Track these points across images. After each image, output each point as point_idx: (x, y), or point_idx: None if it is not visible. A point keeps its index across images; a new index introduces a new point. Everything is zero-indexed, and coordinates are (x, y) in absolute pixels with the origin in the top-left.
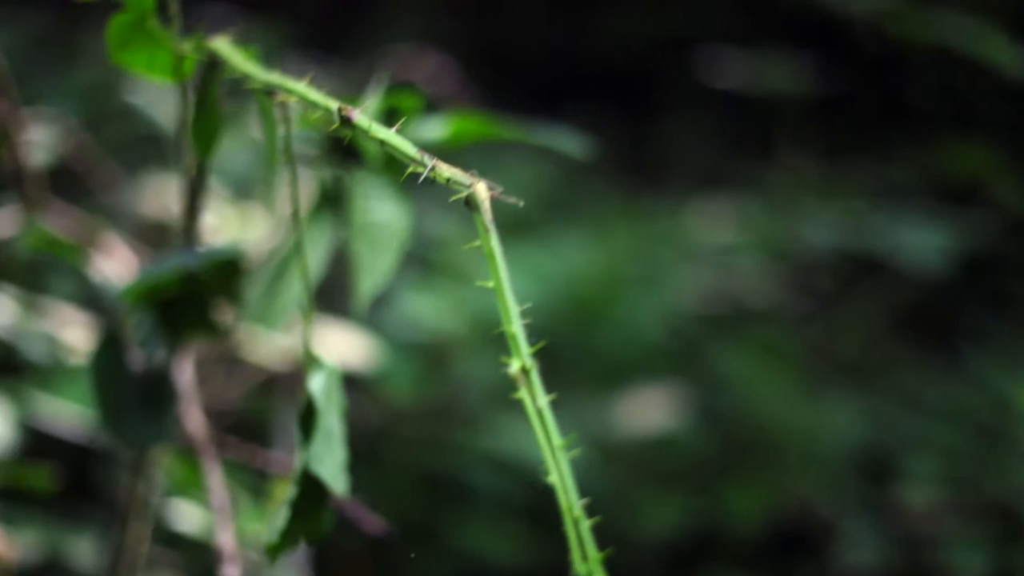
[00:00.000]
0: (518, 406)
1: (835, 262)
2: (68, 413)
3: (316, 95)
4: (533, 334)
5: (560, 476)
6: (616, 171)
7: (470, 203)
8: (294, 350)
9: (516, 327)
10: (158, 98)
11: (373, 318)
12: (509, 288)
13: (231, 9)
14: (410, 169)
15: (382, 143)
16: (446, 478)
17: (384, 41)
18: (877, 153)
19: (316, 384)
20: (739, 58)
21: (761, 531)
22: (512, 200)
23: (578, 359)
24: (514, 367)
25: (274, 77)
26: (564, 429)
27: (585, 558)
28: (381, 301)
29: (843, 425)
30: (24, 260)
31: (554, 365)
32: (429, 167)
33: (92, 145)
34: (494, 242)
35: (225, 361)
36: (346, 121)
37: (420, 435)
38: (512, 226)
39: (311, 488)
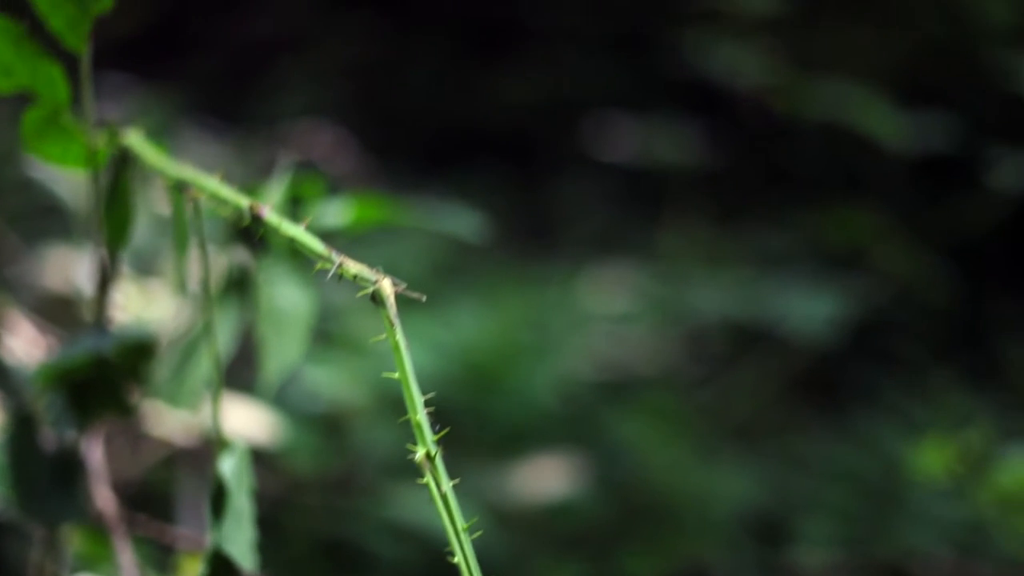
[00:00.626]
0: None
1: (726, 328)
2: None
3: (227, 192)
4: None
5: (464, 557)
6: (509, 237)
7: (375, 299)
8: (199, 425)
9: (421, 416)
10: (59, 172)
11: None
12: (414, 380)
13: (128, 78)
14: (319, 266)
15: (291, 240)
16: (346, 546)
17: (279, 106)
18: (765, 220)
19: (227, 466)
20: (628, 126)
21: None
22: (416, 296)
23: (474, 427)
24: (419, 454)
25: (186, 173)
26: (462, 497)
27: None
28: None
29: (737, 489)
30: None
31: (450, 434)
32: (336, 264)
33: None
34: (399, 336)
35: (131, 435)
36: (256, 219)
37: (320, 504)
38: (401, 301)
39: (221, 566)
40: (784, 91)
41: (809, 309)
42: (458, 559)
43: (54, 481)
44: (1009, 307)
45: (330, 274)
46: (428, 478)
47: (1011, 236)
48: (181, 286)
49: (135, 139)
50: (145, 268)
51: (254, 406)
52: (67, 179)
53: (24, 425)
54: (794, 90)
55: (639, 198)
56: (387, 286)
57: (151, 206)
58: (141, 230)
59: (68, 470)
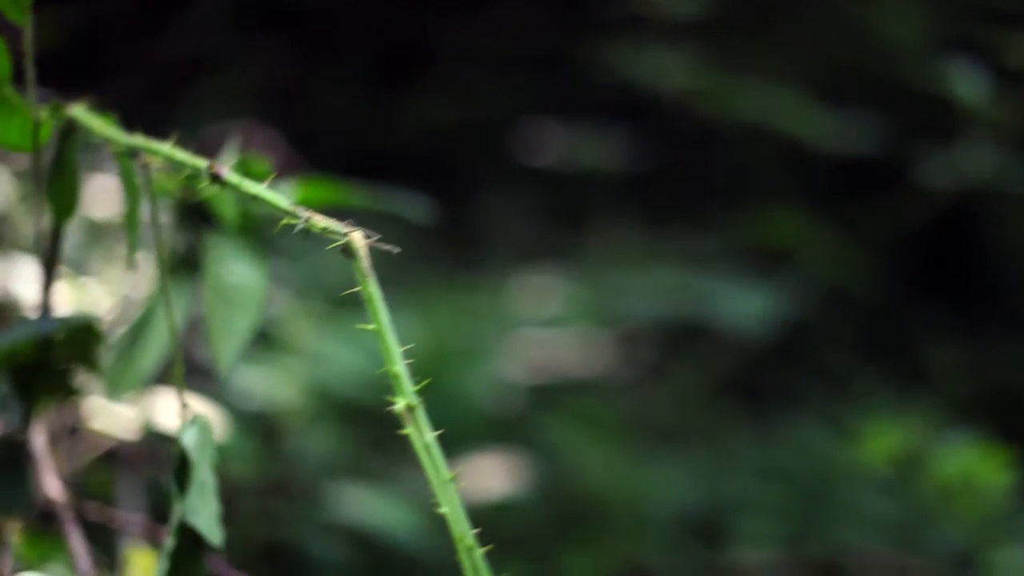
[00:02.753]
0: (353, 475)
1: (657, 330)
2: None
3: (182, 155)
4: (364, 408)
5: (451, 507)
6: (435, 251)
7: (347, 252)
8: (139, 419)
9: (400, 367)
10: None
11: (208, 392)
12: (391, 330)
13: (45, 92)
14: (284, 222)
15: (253, 198)
16: (286, 551)
17: (196, 125)
18: (692, 223)
19: (189, 437)
20: (551, 133)
21: None
22: (388, 247)
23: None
24: (400, 405)
25: (137, 140)
26: (399, 498)
27: None
28: (214, 375)
29: (672, 489)
30: None
31: (386, 436)
32: (303, 219)
33: None
34: (373, 287)
35: (69, 430)
36: (215, 178)
37: (258, 509)
38: (335, 303)
39: (188, 539)
40: (708, 94)
41: (742, 306)
42: (445, 509)
43: (1, 468)
44: (934, 307)
45: (297, 228)
46: (410, 428)
47: (936, 236)
48: (133, 258)
49: (79, 111)
50: (79, 270)
51: (196, 403)
52: None
53: None
54: (718, 93)
55: (565, 205)
56: (358, 238)
57: (81, 210)
58: (71, 233)
59: (14, 457)
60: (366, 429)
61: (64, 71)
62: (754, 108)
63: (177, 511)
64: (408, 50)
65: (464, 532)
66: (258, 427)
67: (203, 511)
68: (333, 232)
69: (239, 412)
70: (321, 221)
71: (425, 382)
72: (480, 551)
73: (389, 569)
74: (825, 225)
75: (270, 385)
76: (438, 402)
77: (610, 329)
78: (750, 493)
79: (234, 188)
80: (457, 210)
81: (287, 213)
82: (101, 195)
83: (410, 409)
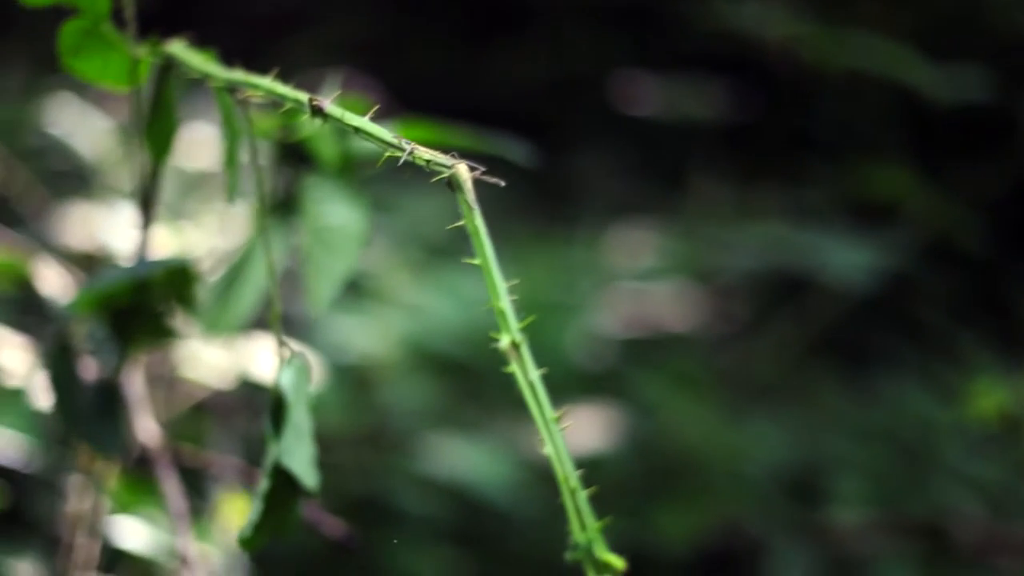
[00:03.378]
0: (447, 428)
1: (753, 284)
2: (2, 439)
3: (283, 89)
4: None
5: (555, 447)
6: (532, 206)
7: (452, 184)
8: (233, 369)
9: (504, 303)
10: (76, 131)
11: (304, 343)
12: (496, 265)
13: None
14: (388, 154)
15: (355, 130)
16: (377, 503)
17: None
18: (792, 177)
19: (286, 378)
20: (652, 85)
21: (689, 553)
22: (494, 180)
23: (502, 384)
24: (504, 342)
25: (236, 74)
26: (493, 450)
27: (584, 528)
28: (309, 326)
29: (767, 447)
30: None
31: (479, 390)
32: (408, 151)
33: (19, 168)
34: (478, 220)
35: (167, 379)
36: (317, 111)
37: (349, 461)
38: (431, 252)
39: (282, 482)
40: (811, 42)
41: (843, 259)
42: (549, 449)
43: (96, 411)
44: None
45: (401, 160)
46: (514, 366)
47: None
48: (232, 196)
49: (178, 47)
50: (177, 218)
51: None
52: (83, 133)
53: (64, 354)
54: (821, 42)
55: (662, 158)
56: (463, 170)
57: (176, 161)
58: (169, 183)
59: (110, 400)
60: (461, 382)
61: (156, 27)
62: (858, 57)
63: (272, 453)
64: (504, 4)
65: (568, 473)
66: (353, 379)
67: (298, 453)
68: (438, 164)
69: (334, 364)
70: (425, 153)
71: (529, 319)
72: (584, 493)
73: (482, 524)
74: (929, 178)
75: (365, 337)
76: (533, 355)
77: (706, 283)
78: (847, 452)
79: (336, 121)
80: (553, 165)
81: (391, 146)
82: (198, 145)
83: (515, 346)
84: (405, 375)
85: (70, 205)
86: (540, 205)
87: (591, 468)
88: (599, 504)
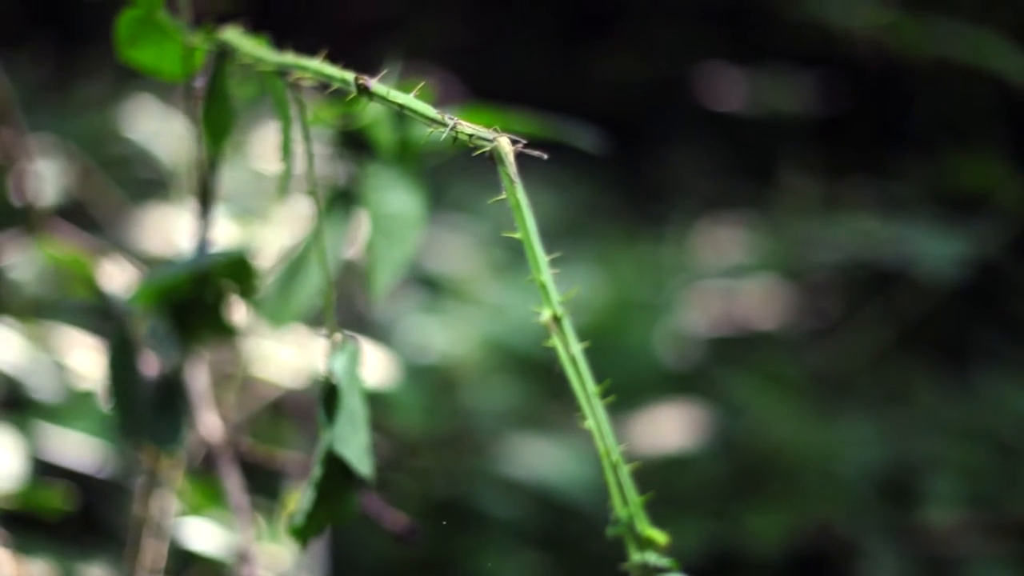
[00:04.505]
0: (532, 430)
1: (844, 279)
2: (75, 443)
3: (331, 69)
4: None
5: (596, 421)
6: (620, 205)
7: (494, 157)
8: (306, 368)
9: (545, 276)
10: (156, 137)
11: (379, 342)
12: (537, 238)
13: None
14: (431, 131)
15: (400, 107)
16: (460, 507)
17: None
18: (881, 170)
19: (338, 363)
20: (740, 80)
21: (780, 554)
22: (537, 154)
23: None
24: (545, 315)
25: (287, 58)
26: (576, 452)
27: (626, 502)
28: (388, 327)
29: (859, 446)
30: (29, 293)
31: (561, 390)
32: (450, 126)
33: (96, 172)
34: (520, 193)
35: (235, 379)
36: (363, 90)
37: (432, 465)
38: (514, 252)
39: (336, 470)
40: (899, 28)
41: (936, 250)
42: (590, 423)
43: (157, 407)
44: None
45: (443, 136)
46: (555, 339)
47: None
48: (286, 184)
49: (232, 33)
50: (248, 217)
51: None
52: (164, 139)
53: (125, 349)
54: (910, 28)
55: (750, 153)
56: (505, 143)
57: (248, 162)
58: (241, 185)
59: (171, 396)
60: (543, 383)
61: (246, 31)
62: (947, 46)
63: (325, 440)
64: (595, 5)
65: (609, 447)
66: (433, 380)
67: (352, 441)
68: (480, 139)
69: (414, 365)
70: (467, 128)
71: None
72: (626, 468)
73: (566, 527)
74: (1020, 169)
75: (446, 337)
76: (620, 354)
77: (795, 280)
78: (941, 451)
79: (380, 99)
80: (643, 163)
81: (433, 122)
82: (267, 148)
83: (556, 320)
84: (486, 376)
85: (147, 210)
86: (629, 204)
87: (679, 468)
88: (688, 504)
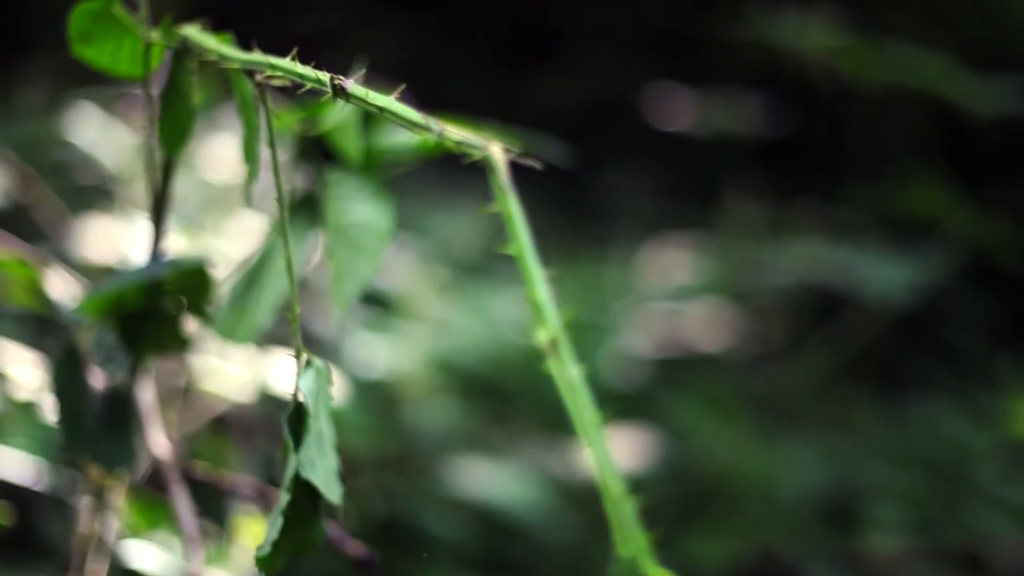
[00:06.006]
0: (476, 450)
1: (789, 305)
2: (12, 458)
3: (303, 69)
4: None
5: (598, 453)
6: (562, 226)
7: (485, 166)
8: (252, 383)
9: (541, 294)
10: (98, 144)
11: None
12: (532, 253)
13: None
14: (416, 137)
15: (380, 110)
16: (403, 527)
17: None
18: (828, 194)
19: (305, 383)
20: (686, 99)
21: None
22: (530, 163)
23: (532, 406)
24: (542, 337)
25: (255, 56)
26: (522, 473)
27: (628, 541)
28: (332, 344)
29: (802, 471)
30: None
31: (508, 411)
32: (436, 131)
33: (36, 179)
34: (513, 205)
35: (181, 392)
36: (339, 91)
37: (376, 484)
38: (460, 271)
39: (303, 496)
40: (850, 53)
41: (888, 275)
42: (592, 452)
43: (106, 423)
44: None
45: (428, 141)
46: (553, 363)
47: None
48: (249, 190)
49: (192, 30)
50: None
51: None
52: (107, 146)
53: (71, 362)
54: (860, 52)
55: (697, 174)
56: (497, 151)
57: (197, 173)
58: (190, 195)
59: (120, 412)
60: (489, 403)
61: None
62: (896, 70)
63: (292, 464)
64: (535, 29)
65: (611, 480)
66: (378, 399)
67: (320, 465)
68: (469, 146)
69: (360, 383)
70: (455, 134)
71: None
72: (630, 503)
73: (511, 549)
74: (968, 195)
75: (391, 355)
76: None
77: (740, 303)
78: (883, 477)
79: (360, 101)
80: (585, 184)
81: (418, 127)
82: (222, 160)
83: (553, 342)
84: (432, 395)
85: (90, 218)
86: (572, 225)
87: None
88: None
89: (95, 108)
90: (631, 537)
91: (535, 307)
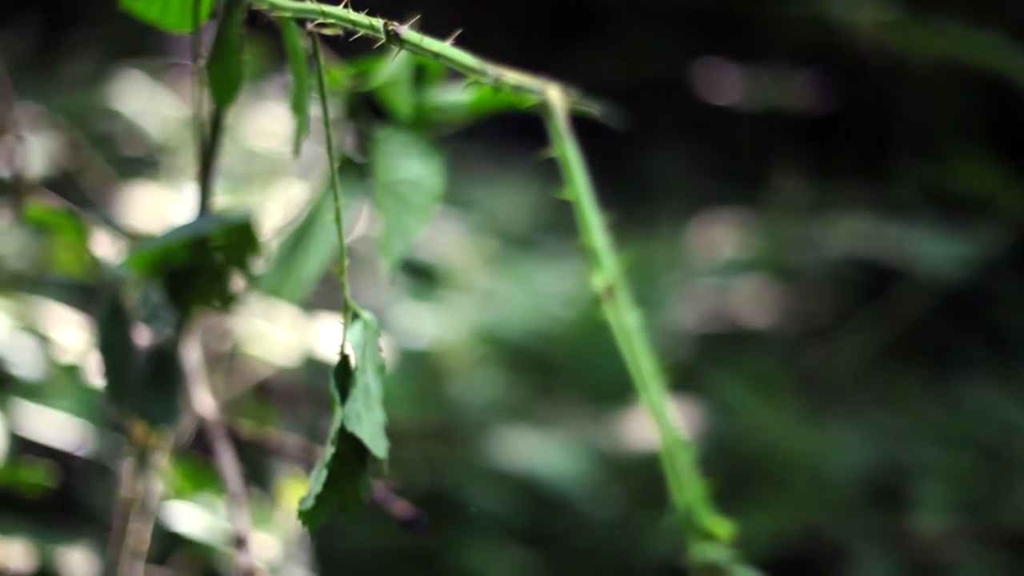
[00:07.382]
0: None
1: (835, 281)
2: (56, 421)
3: (357, 16)
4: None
5: (653, 402)
6: (611, 201)
7: (542, 110)
8: (298, 348)
9: (598, 240)
10: (144, 114)
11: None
12: (589, 198)
13: None
14: (470, 80)
15: (436, 55)
16: (447, 498)
17: None
18: (877, 171)
19: (353, 335)
20: (735, 74)
21: (767, 557)
22: (588, 109)
23: (577, 379)
24: (598, 283)
25: (307, 4)
26: (565, 445)
27: (683, 489)
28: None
29: (848, 450)
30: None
31: (552, 383)
32: (492, 76)
33: (84, 146)
34: (571, 149)
35: (226, 356)
36: (394, 36)
37: (418, 455)
38: (512, 242)
39: (349, 450)
40: (902, 27)
41: (940, 251)
42: (646, 400)
43: (151, 381)
44: None
45: (488, 85)
46: (609, 310)
47: None
48: (299, 142)
49: None
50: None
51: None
52: (153, 116)
53: (116, 319)
54: (912, 27)
55: (745, 151)
56: (556, 94)
57: (243, 144)
58: (236, 163)
59: (165, 369)
60: (533, 375)
61: None
62: (948, 45)
63: (337, 418)
64: (580, 5)
65: (668, 429)
66: (422, 370)
67: (367, 419)
68: (527, 89)
69: (405, 352)
70: (512, 79)
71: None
72: (686, 452)
73: (554, 521)
74: (1020, 173)
75: (437, 325)
76: (609, 350)
77: (787, 280)
78: (929, 457)
79: (414, 47)
80: (632, 163)
81: (474, 71)
82: (263, 129)
83: (610, 288)
84: (477, 366)
85: (136, 187)
86: (620, 202)
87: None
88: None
89: (142, 78)
90: (686, 485)
91: (592, 253)
